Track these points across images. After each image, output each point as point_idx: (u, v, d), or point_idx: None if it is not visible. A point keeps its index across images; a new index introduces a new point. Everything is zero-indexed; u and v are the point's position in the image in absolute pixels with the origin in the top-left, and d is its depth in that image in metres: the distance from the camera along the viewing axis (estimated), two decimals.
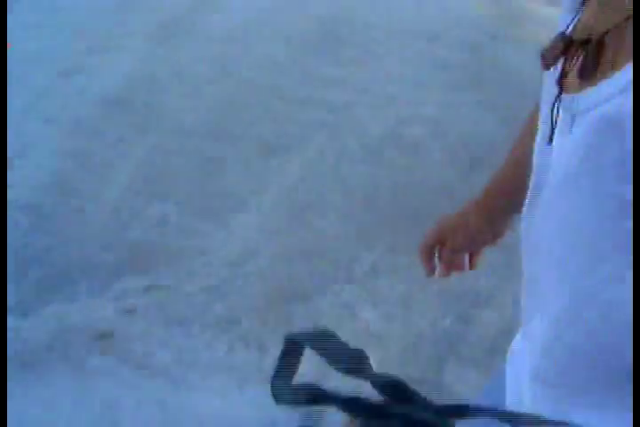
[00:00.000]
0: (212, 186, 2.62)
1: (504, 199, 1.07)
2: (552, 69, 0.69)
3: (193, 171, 2.63)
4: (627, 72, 0.55)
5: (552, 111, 0.67)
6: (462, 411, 0.46)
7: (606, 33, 0.60)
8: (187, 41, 3.63)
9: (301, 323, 2.08)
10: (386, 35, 4.04)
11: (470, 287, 2.22)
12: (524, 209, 0.76)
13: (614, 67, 0.58)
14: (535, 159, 0.73)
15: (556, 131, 0.67)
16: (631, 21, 0.57)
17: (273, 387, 0.47)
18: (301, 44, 3.70)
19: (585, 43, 0.63)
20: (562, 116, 0.66)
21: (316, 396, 0.45)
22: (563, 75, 0.67)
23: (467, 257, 1.16)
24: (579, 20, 0.69)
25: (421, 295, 2.24)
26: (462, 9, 4.67)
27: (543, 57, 0.70)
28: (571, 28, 0.69)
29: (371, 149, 2.92)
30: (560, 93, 0.67)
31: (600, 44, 0.61)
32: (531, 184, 0.74)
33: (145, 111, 2.95)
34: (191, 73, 3.30)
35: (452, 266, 1.15)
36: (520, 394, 0.82)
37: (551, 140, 0.68)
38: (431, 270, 1.15)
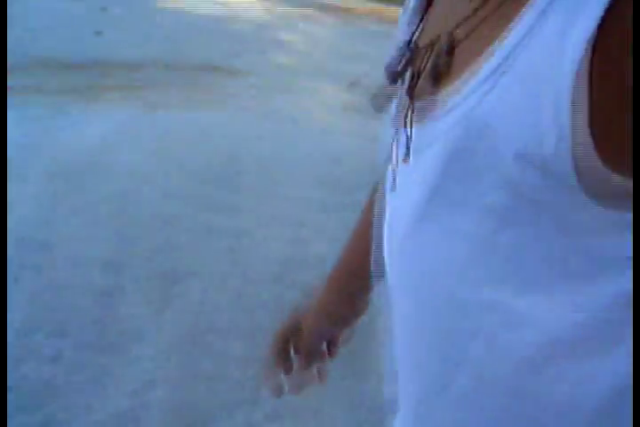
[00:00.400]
0: (108, 318, 2.52)
1: (356, 278, 0.96)
2: (400, 82, 0.65)
3: (88, 303, 2.53)
4: (482, 67, 0.51)
5: (405, 121, 0.61)
6: None
7: (456, 29, 0.57)
8: (87, 179, 3.62)
9: None
10: (286, 161, 4.13)
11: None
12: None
13: (468, 64, 0.54)
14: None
15: (412, 149, 0.60)
16: (479, 13, 0.54)
17: None
18: (203, 175, 3.73)
19: (432, 45, 0.59)
20: (415, 132, 0.60)
21: None
22: (413, 84, 0.61)
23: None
24: (422, 27, 0.66)
25: (330, 409, 2.14)
26: (364, 131, 4.84)
27: (388, 69, 0.65)
28: (416, 35, 0.66)
29: (275, 271, 2.87)
30: (412, 104, 0.60)
31: (450, 43, 0.57)
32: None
33: (40, 248, 2.87)
34: (90, 210, 3.27)
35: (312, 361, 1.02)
36: None
37: (408, 156, 0.61)
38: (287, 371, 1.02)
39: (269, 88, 6.09)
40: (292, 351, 1.01)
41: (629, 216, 0.50)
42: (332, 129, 4.92)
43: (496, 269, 0.56)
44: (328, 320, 1.01)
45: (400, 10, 0.76)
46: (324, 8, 18.24)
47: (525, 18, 0.49)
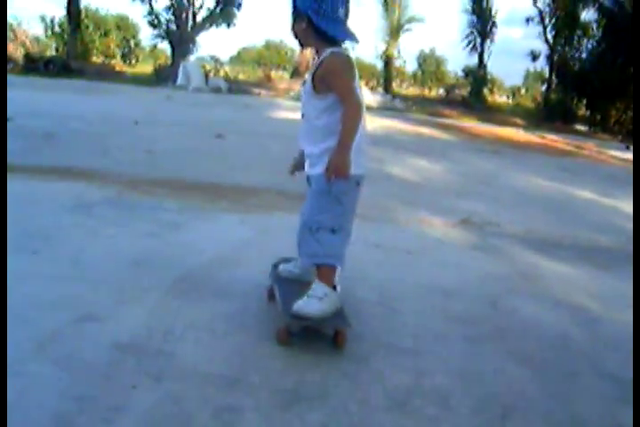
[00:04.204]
0: None
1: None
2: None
3: (206, 419, 2.46)
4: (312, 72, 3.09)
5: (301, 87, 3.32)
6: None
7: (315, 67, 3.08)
8: (204, 295, 3.64)
9: None
10: (402, 291, 4.09)
11: None
12: None
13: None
14: None
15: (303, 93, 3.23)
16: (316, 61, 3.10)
17: None
18: None
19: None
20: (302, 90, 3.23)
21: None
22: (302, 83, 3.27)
23: None
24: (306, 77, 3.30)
25: None
26: (477, 268, 4.81)
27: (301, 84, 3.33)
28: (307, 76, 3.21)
29: (395, 399, 2.76)
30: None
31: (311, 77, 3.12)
32: None
33: (159, 359, 2.85)
34: (208, 324, 3.26)
35: None
36: None
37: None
38: None
39: (380, 219, 6.14)
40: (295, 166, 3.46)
41: (326, 104, 3.01)
42: (444, 262, 4.88)
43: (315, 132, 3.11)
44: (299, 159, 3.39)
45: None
46: (441, 127, 18.63)
47: (322, 57, 3.00)
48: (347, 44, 3.10)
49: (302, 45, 3.17)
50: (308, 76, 3.08)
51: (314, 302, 3.06)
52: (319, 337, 3.24)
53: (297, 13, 3.00)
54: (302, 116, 3.17)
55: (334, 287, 3.17)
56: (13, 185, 5.82)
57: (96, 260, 4.07)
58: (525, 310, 3.98)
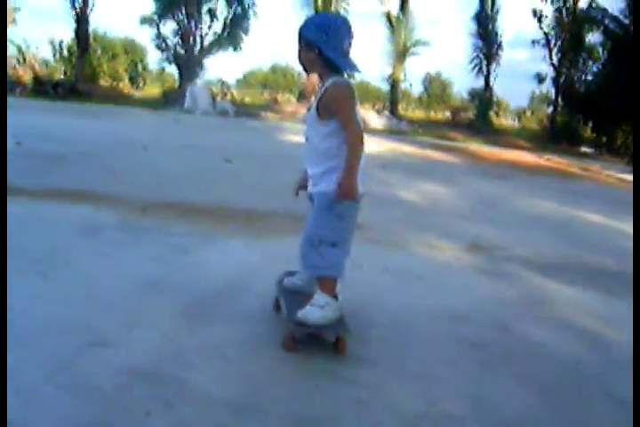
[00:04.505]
0: None
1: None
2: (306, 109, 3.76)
3: None
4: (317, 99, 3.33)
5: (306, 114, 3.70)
6: None
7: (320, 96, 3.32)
8: (215, 320, 3.65)
9: None
10: (412, 316, 4.09)
11: None
12: None
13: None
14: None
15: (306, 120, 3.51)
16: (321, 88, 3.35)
17: None
18: None
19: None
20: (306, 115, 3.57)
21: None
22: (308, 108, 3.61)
23: None
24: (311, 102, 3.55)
25: None
26: (487, 292, 4.81)
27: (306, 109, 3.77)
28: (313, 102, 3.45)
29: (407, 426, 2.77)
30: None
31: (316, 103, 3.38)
32: None
33: (172, 384, 2.86)
34: (219, 351, 3.26)
35: None
36: None
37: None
38: None
39: (389, 243, 6.16)
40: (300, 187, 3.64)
41: (329, 129, 3.26)
42: (454, 286, 4.89)
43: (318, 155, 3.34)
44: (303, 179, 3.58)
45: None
46: (447, 149, 18.68)
47: (326, 86, 3.27)
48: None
49: (307, 72, 3.45)
50: (312, 103, 3.33)
51: (316, 311, 3.31)
52: (323, 347, 3.39)
53: (306, 44, 3.25)
54: (306, 139, 3.42)
55: (335, 297, 3.41)
56: (21, 208, 5.86)
57: (106, 284, 4.09)
58: (535, 335, 3.98)
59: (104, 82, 37.07)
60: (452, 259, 5.82)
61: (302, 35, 3.27)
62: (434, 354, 3.54)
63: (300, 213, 5.59)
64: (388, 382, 3.13)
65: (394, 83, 35.29)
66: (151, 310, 3.71)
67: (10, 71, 29.58)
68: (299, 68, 3.58)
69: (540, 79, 33.31)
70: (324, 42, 3.18)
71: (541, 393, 3.19)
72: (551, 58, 32.02)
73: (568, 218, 9.10)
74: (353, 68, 3.26)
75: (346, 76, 3.36)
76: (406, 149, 18.27)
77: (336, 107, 3.22)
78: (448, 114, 38.97)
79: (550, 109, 34.01)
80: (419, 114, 42.34)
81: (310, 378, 3.08)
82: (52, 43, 36.67)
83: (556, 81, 31.96)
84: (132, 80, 45.75)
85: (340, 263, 3.39)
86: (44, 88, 27.49)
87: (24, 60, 31.56)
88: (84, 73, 31.59)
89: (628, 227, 8.36)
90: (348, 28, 3.25)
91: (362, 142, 3.21)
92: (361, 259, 5.30)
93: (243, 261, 4.96)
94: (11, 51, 32.12)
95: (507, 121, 41.73)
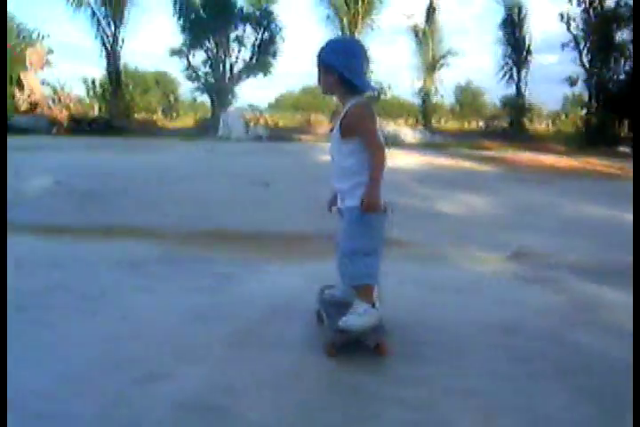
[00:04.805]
0: None
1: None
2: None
3: None
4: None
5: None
6: None
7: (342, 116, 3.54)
8: (263, 349, 3.65)
9: None
10: (461, 331, 4.04)
11: None
12: None
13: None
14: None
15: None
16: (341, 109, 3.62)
17: None
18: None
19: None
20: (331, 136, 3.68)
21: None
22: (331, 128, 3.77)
23: None
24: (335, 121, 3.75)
25: None
26: (534, 302, 4.74)
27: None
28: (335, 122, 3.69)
29: None
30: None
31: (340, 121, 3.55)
32: None
33: (225, 418, 2.85)
34: (269, 382, 3.24)
35: None
36: None
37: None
38: None
39: (430, 258, 6.12)
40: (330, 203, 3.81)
41: (353, 147, 3.46)
42: (501, 298, 4.82)
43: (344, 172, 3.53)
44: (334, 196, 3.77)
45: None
46: (482, 159, 18.55)
47: (347, 108, 3.47)
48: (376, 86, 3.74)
49: (327, 94, 3.68)
50: (335, 124, 3.57)
51: (356, 318, 3.48)
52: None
53: (326, 68, 3.47)
54: (332, 158, 3.66)
55: (373, 304, 3.56)
56: (64, 247, 5.94)
57: (152, 317, 4.12)
58: (589, 344, 3.88)
59: (138, 116, 37.53)
60: (496, 269, 5.75)
61: (322, 59, 3.48)
62: (484, 369, 3.48)
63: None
64: (439, 401, 3.08)
65: (425, 96, 35.23)
66: (198, 342, 3.72)
67: (46, 111, 30.16)
68: None
69: (572, 82, 32.97)
70: (343, 65, 3.39)
71: (600, 406, 3.11)
72: (582, 60, 31.69)
73: (609, 221, 8.89)
74: (371, 87, 3.64)
75: (365, 96, 3.58)
76: (441, 161, 18.15)
77: (357, 126, 3.44)
78: (481, 123, 38.73)
79: (584, 111, 33.57)
80: (452, 125, 42.15)
81: (362, 402, 3.04)
82: (85, 81, 37.33)
83: (588, 82, 31.60)
84: (166, 112, 46.31)
85: (375, 271, 3.58)
86: (79, 126, 27.92)
87: (59, 99, 32.11)
88: (118, 108, 32.03)
89: None
90: (365, 51, 3.55)
91: (384, 158, 3.41)
92: (403, 275, 5.29)
93: (286, 286, 4.95)
94: (46, 91, 32.81)
95: (541, 126, 41.25)
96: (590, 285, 5.29)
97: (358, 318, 3.47)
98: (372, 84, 3.62)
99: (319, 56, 3.49)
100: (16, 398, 2.87)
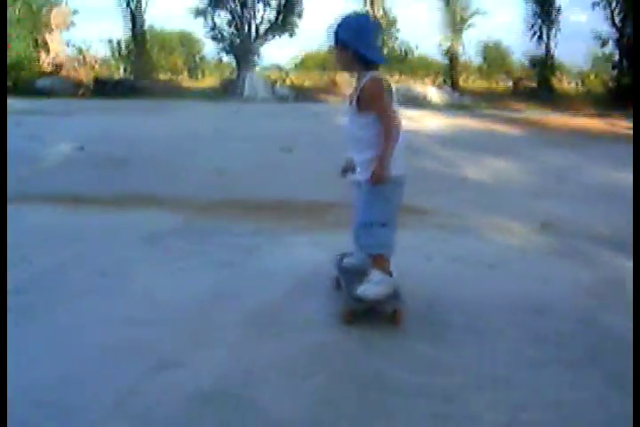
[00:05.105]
0: None
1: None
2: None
3: None
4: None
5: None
6: None
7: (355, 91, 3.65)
8: (284, 329, 3.56)
9: None
10: (488, 311, 3.90)
11: None
12: None
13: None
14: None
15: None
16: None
17: None
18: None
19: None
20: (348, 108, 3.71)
21: None
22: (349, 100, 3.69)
23: None
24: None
25: None
26: (565, 279, 4.58)
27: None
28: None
29: None
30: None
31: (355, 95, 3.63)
32: None
33: (241, 407, 2.75)
34: (288, 367, 3.13)
35: None
36: None
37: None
38: None
39: (457, 228, 5.96)
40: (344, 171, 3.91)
41: (368, 120, 3.54)
42: (530, 274, 4.66)
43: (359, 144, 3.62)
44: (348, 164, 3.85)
45: None
46: (511, 121, 18.24)
47: (363, 82, 3.52)
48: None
49: (344, 70, 3.82)
50: (352, 98, 3.63)
51: (373, 287, 3.62)
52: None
53: (342, 44, 3.55)
54: (348, 129, 3.73)
55: (390, 273, 3.71)
56: (83, 217, 5.86)
57: (169, 297, 4.01)
58: (623, 326, 3.70)
59: (163, 76, 37.36)
60: (524, 242, 5.58)
61: (338, 36, 3.55)
62: (513, 355, 3.34)
63: None
64: (466, 391, 2.96)
65: (452, 56, 34.66)
66: (216, 324, 3.61)
67: (71, 73, 30.05)
68: None
69: (603, 42, 32.20)
70: (357, 42, 3.48)
71: (630, 395, 2.96)
72: (613, 19, 30.89)
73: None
74: (385, 61, 3.89)
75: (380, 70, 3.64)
76: (468, 123, 17.87)
77: (372, 101, 3.52)
78: (510, 83, 38.05)
79: (615, 72, 32.80)
80: (480, 84, 41.32)
81: (385, 395, 2.91)
82: (110, 42, 37.09)
83: (619, 42, 30.84)
84: (191, 72, 46.01)
85: (391, 241, 3.72)
86: (104, 88, 27.81)
87: (84, 61, 31.96)
88: (143, 70, 31.86)
89: None
90: (376, 26, 4.06)
91: (398, 133, 3.51)
92: (429, 248, 5.15)
93: (309, 259, 4.82)
94: (71, 52, 32.68)
95: (570, 85, 40.38)
96: (624, 260, 5.09)
97: (375, 286, 3.62)
98: (385, 56, 3.76)
99: (335, 33, 3.55)
100: (25, 388, 2.81)
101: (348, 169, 3.88)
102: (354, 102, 3.59)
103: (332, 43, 3.61)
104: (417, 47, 39.03)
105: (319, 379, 3.02)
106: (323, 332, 3.53)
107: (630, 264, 4.95)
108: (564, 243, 5.59)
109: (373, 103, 3.52)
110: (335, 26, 3.57)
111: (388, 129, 3.49)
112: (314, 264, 4.67)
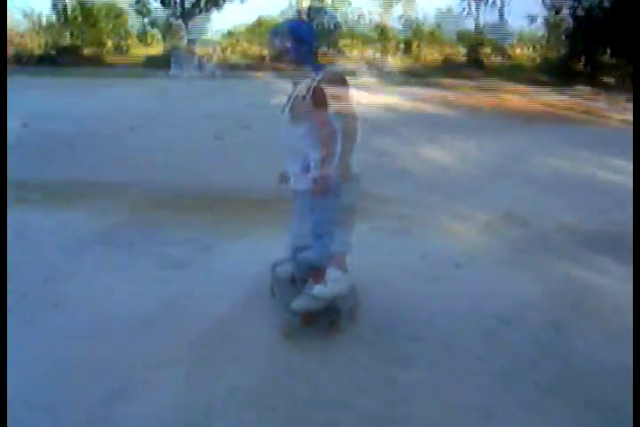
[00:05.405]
0: None
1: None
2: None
3: None
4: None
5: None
6: None
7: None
8: (234, 355, 3.34)
9: None
10: (455, 322, 3.74)
11: None
12: None
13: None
14: None
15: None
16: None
17: None
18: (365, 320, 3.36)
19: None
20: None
21: None
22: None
23: None
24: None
25: None
26: (532, 282, 4.40)
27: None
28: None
29: None
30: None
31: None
32: None
33: None
34: (247, 395, 2.91)
35: None
36: None
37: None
38: None
39: (418, 221, 5.78)
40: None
41: (305, 129, 3.52)
42: (496, 276, 4.49)
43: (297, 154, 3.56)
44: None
45: None
46: (443, 101, 18.20)
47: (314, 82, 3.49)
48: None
49: (300, 66, 3.66)
50: (299, 95, 3.55)
51: (330, 286, 3.64)
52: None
53: (300, 42, 3.64)
54: (284, 139, 3.66)
55: (345, 269, 3.75)
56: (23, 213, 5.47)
57: (120, 310, 3.78)
58: (596, 340, 3.56)
59: (87, 50, 36.25)
60: (489, 237, 5.45)
61: (293, 35, 3.64)
62: (489, 377, 3.19)
63: None
64: (439, 422, 2.76)
65: (383, 30, 34.56)
66: (169, 345, 3.35)
67: None
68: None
69: (557, 10, 31.86)
70: (316, 37, 3.69)
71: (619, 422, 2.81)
72: None
73: (595, 174, 8.49)
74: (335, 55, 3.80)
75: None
76: (424, 94, 17.71)
77: (312, 110, 3.48)
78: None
79: (566, 39, 32.63)
80: (433, 51, 40.96)
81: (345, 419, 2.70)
82: (28, 15, 35.73)
83: (572, 9, 30.43)
84: (116, 46, 44.79)
85: (348, 239, 3.75)
86: (25, 64, 26.79)
87: None
88: (66, 44, 30.82)
89: None
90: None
91: (335, 142, 3.45)
92: (390, 244, 4.96)
93: (263, 260, 4.54)
94: None
95: (521, 51, 39.91)
96: (590, 257, 4.97)
97: (332, 285, 3.65)
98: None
99: (290, 32, 3.66)
100: None
101: (285, 178, 3.85)
102: (308, 100, 3.50)
103: (281, 43, 3.69)
104: (346, 21, 38.68)
105: (284, 408, 2.80)
106: (281, 350, 3.36)
107: (599, 263, 4.82)
108: (528, 238, 5.47)
109: (312, 112, 3.48)
110: (288, 25, 3.78)
111: (326, 138, 3.46)
112: (255, 273, 4.42)
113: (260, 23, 62.18)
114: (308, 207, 3.67)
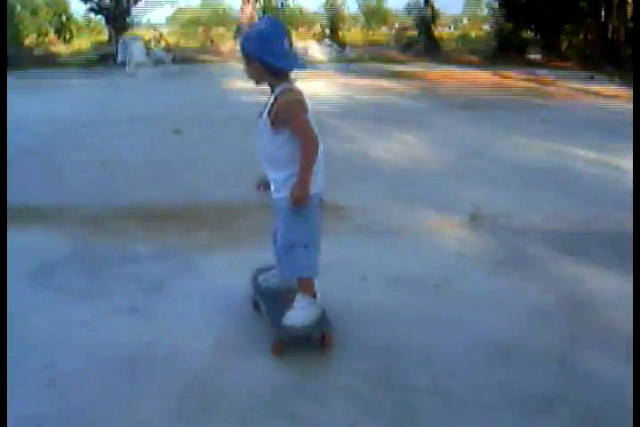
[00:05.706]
0: None
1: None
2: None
3: None
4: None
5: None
6: None
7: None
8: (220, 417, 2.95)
9: None
10: (451, 358, 3.39)
11: None
12: None
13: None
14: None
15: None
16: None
17: None
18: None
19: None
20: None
21: None
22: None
23: None
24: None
25: None
26: (517, 300, 4.09)
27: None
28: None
29: None
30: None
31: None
32: None
33: None
34: None
35: None
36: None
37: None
38: None
39: (381, 233, 5.44)
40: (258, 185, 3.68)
41: (284, 137, 3.30)
42: (480, 296, 4.19)
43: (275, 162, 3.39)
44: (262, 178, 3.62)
45: None
46: (400, 77, 17.78)
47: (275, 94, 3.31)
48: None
49: (259, 83, 3.47)
50: (263, 112, 3.37)
51: (300, 313, 3.50)
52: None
53: (247, 57, 3.36)
54: (260, 146, 3.47)
55: (314, 295, 3.58)
56: None
57: (73, 364, 3.36)
58: (607, 371, 3.27)
59: (29, 40, 35.14)
60: (461, 245, 5.12)
61: (243, 50, 3.39)
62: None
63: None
64: None
65: (332, 7, 34.06)
66: (139, 413, 2.96)
67: None
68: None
69: None
70: (261, 51, 3.27)
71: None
72: None
73: (557, 160, 8.27)
74: (299, 65, 3.37)
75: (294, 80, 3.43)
76: (359, 82, 17.36)
77: (288, 118, 3.31)
78: (389, 32, 37.73)
79: (491, 16, 32.62)
80: (357, 35, 40.64)
81: None
82: None
83: None
84: (59, 33, 43.52)
85: (316, 262, 3.56)
86: None
87: None
88: (6, 34, 29.73)
89: (625, 162, 7.58)
90: (282, 30, 3.37)
91: (316, 151, 3.31)
92: (359, 262, 4.68)
93: (229, 292, 4.20)
94: None
95: (443, 31, 40.00)
96: (570, 264, 4.72)
97: (302, 312, 3.51)
98: (300, 61, 3.44)
99: (241, 47, 3.42)
100: None
101: (263, 185, 3.67)
102: (265, 117, 3.36)
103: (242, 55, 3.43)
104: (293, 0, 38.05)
105: None
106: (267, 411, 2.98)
107: (583, 271, 4.57)
108: (501, 243, 5.17)
109: (289, 120, 3.32)
110: (243, 37, 3.49)
111: (306, 146, 3.30)
112: (241, 299, 4.07)
113: (205, 4, 61.29)
114: (288, 217, 3.45)
